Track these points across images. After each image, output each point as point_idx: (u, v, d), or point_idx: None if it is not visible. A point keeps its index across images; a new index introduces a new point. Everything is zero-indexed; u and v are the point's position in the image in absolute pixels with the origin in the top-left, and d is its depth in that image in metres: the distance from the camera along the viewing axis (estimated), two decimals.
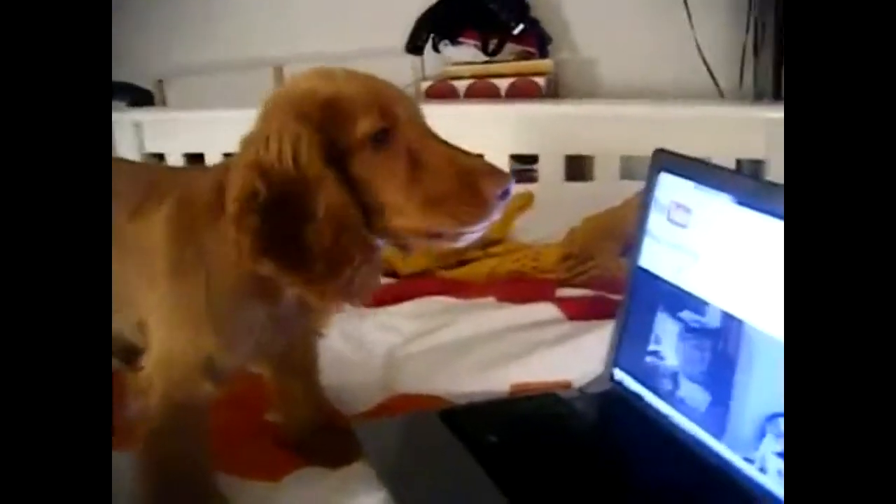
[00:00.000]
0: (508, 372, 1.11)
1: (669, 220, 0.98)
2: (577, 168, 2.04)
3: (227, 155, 0.83)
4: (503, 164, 1.88)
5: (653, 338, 0.98)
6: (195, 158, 2.16)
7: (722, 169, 0.97)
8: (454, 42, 2.29)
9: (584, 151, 1.97)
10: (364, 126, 0.76)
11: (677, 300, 0.95)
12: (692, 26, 2.08)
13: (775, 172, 1.68)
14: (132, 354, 0.88)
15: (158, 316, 0.84)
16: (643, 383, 0.99)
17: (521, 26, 2.21)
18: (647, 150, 1.04)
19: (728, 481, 0.85)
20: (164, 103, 2.56)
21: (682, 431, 0.92)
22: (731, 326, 0.87)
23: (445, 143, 0.79)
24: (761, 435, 0.82)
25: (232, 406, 0.97)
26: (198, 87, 2.54)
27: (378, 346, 1.23)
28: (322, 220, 0.74)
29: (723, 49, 2.12)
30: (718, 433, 0.87)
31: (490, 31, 2.24)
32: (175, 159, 2.21)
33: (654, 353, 0.98)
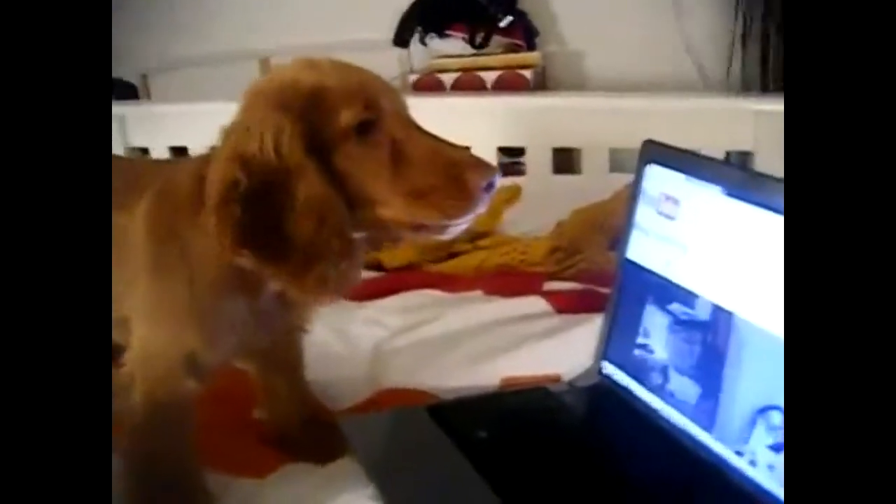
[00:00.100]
0: (497, 366, 1.11)
1: (658, 212, 0.97)
2: (565, 161, 2.03)
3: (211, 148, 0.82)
4: (490, 156, 1.87)
5: (642, 331, 0.98)
6: (180, 152, 2.14)
7: (711, 160, 0.97)
8: (441, 35, 2.28)
9: (571, 144, 1.97)
10: (347, 117, 0.75)
11: (666, 293, 0.94)
12: (680, 18, 2.08)
13: (763, 164, 1.68)
14: (114, 352, 0.87)
15: (139, 312, 0.83)
16: (632, 376, 0.99)
17: (508, 19, 2.21)
18: (635, 143, 1.04)
19: (718, 475, 0.84)
20: (148, 97, 2.54)
21: (672, 425, 0.91)
22: (720, 319, 0.86)
23: (430, 135, 0.78)
24: (751, 428, 0.81)
25: (218, 403, 0.96)
26: (182, 81, 2.52)
27: (365, 340, 1.22)
28: (302, 211, 0.73)
29: (710, 41, 2.12)
30: (708, 426, 0.87)
31: (477, 24, 2.23)
32: (159, 153, 2.20)
33: (644, 347, 0.97)
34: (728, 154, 1.80)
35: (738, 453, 0.83)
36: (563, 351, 1.12)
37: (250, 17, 2.54)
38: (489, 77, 2.15)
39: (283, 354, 0.99)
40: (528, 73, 2.13)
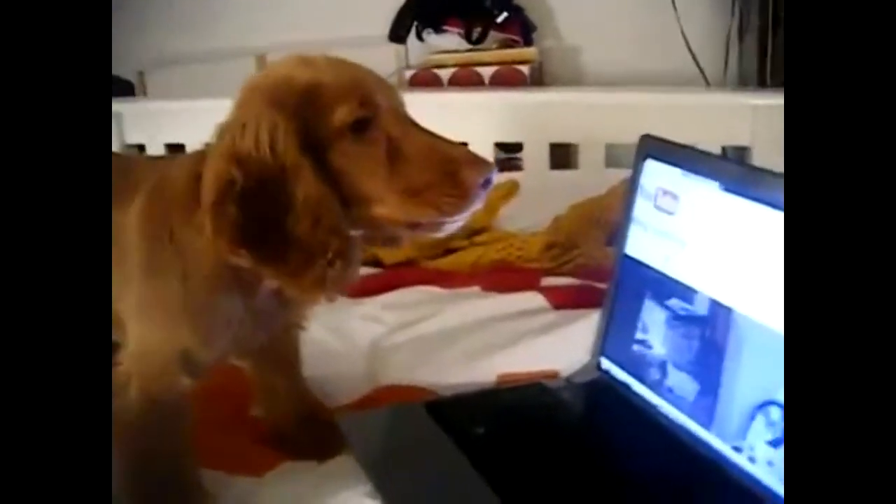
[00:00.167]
0: (494, 362, 1.10)
1: (656, 206, 0.97)
2: (562, 156, 2.03)
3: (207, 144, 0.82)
4: (487, 152, 1.87)
5: (640, 326, 0.97)
6: (176, 149, 2.14)
7: (709, 155, 0.96)
8: (437, 30, 2.28)
9: (568, 139, 1.96)
10: (342, 114, 0.74)
11: (664, 288, 0.94)
12: (677, 13, 2.08)
13: (760, 159, 1.68)
14: None
15: (134, 310, 0.83)
16: (630, 372, 0.99)
17: (504, 14, 2.21)
18: (632, 138, 1.03)
19: (717, 471, 0.84)
20: (144, 94, 2.54)
21: (670, 421, 0.91)
22: (719, 314, 0.86)
23: (427, 131, 0.78)
24: (750, 423, 0.81)
25: (215, 400, 0.96)
26: (179, 78, 2.52)
27: (362, 336, 1.22)
28: (298, 210, 0.73)
29: (707, 36, 2.12)
30: (707, 422, 0.86)
31: (474, 19, 2.23)
32: (156, 150, 2.19)
33: (642, 342, 0.97)
34: (724, 149, 1.80)
35: (737, 449, 0.82)
36: (561, 347, 1.11)
37: (247, 15, 2.53)
38: (486, 72, 2.15)
39: (280, 351, 0.98)
40: (524, 69, 2.13)
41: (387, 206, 0.76)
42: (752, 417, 0.81)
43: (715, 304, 0.87)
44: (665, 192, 0.96)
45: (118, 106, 2.23)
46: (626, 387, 0.99)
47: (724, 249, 0.87)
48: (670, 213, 0.95)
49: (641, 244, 0.99)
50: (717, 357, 0.85)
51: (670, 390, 0.92)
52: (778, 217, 0.80)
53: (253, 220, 0.72)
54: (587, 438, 0.95)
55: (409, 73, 2.22)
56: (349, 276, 0.77)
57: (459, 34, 2.25)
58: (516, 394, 1.03)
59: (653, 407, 0.94)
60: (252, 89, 0.77)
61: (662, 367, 0.93)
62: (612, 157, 1.89)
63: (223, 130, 0.76)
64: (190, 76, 2.48)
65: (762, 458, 0.80)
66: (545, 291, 1.31)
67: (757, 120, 1.70)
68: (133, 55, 2.53)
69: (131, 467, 0.84)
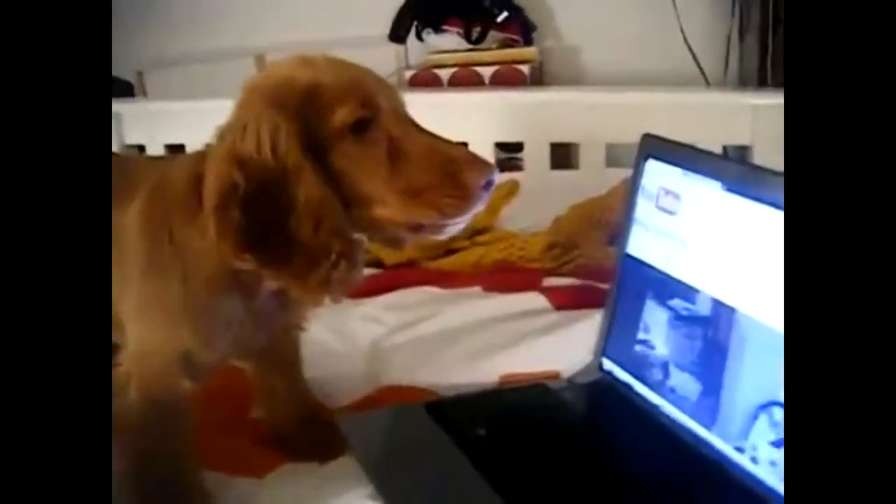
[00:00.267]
0: (496, 363, 1.10)
1: (658, 206, 0.97)
2: (563, 156, 2.03)
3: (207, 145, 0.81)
4: (488, 152, 1.87)
5: (642, 326, 0.97)
6: (176, 150, 2.14)
7: (710, 155, 0.96)
8: (437, 30, 2.28)
9: (569, 139, 1.96)
10: (343, 115, 0.74)
11: (667, 288, 0.93)
12: (677, 13, 2.08)
13: (761, 158, 1.67)
14: None
15: (134, 311, 0.82)
16: (632, 373, 0.98)
17: (504, 14, 2.21)
18: (632, 138, 1.03)
19: (719, 471, 0.84)
20: (144, 94, 2.53)
21: (673, 421, 0.91)
22: (721, 314, 0.86)
23: (427, 132, 0.78)
24: (753, 424, 0.81)
25: (215, 402, 0.95)
26: (178, 78, 2.51)
27: (362, 337, 1.22)
28: (301, 212, 0.72)
29: (707, 35, 2.12)
30: (709, 423, 0.86)
31: (473, 19, 2.23)
32: (156, 151, 2.18)
33: (644, 342, 0.97)
34: (725, 148, 1.79)
35: (740, 450, 0.82)
36: (563, 347, 1.11)
37: (246, 14, 2.53)
38: (486, 72, 2.15)
39: (281, 352, 0.98)
40: (524, 68, 2.13)
41: (388, 207, 0.76)
42: (754, 418, 0.81)
43: (717, 304, 0.86)
44: (667, 192, 0.95)
45: (118, 106, 2.22)
46: (628, 387, 0.99)
47: (726, 249, 0.86)
48: (672, 213, 0.94)
49: (644, 244, 0.99)
50: (720, 357, 0.85)
51: (672, 391, 0.92)
52: (780, 217, 0.80)
53: (256, 224, 0.72)
54: (589, 439, 0.95)
55: (408, 73, 2.22)
56: (353, 277, 0.77)
57: (459, 34, 2.24)
58: (518, 394, 1.03)
59: (655, 407, 0.94)
60: (253, 90, 0.76)
61: (664, 367, 0.93)
62: (613, 156, 1.89)
63: (224, 132, 0.75)
64: (189, 76, 2.47)
65: (765, 459, 0.79)
66: (547, 292, 1.31)
67: (757, 119, 1.69)
68: (132, 56, 2.53)
69: (131, 468, 0.84)
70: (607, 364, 1.03)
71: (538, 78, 2.21)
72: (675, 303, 0.92)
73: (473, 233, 1.54)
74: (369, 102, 0.75)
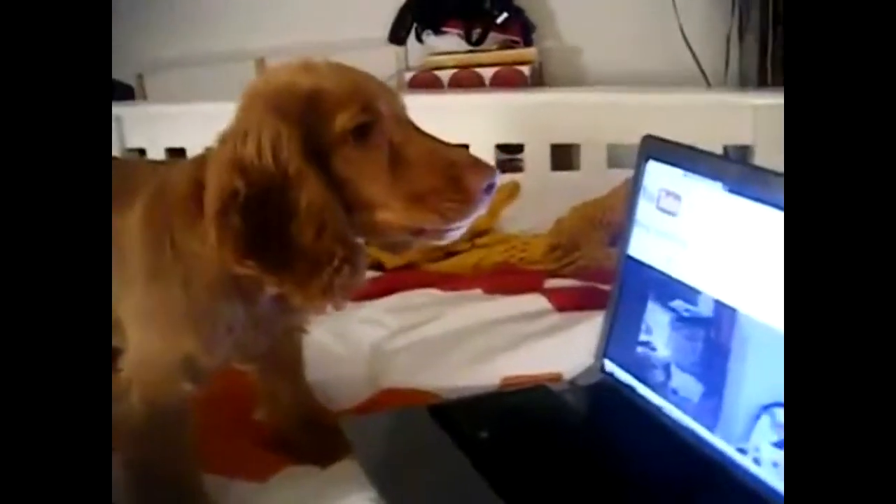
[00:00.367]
0: (497, 365, 1.10)
1: (658, 208, 0.97)
2: (564, 157, 2.02)
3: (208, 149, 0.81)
4: (488, 153, 1.87)
5: (644, 328, 0.97)
6: (177, 153, 2.14)
7: (711, 155, 0.96)
8: (437, 31, 2.27)
9: (570, 140, 1.95)
10: (344, 120, 0.74)
11: (668, 289, 0.93)
12: (677, 13, 2.07)
13: (762, 158, 1.67)
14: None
15: (135, 316, 0.82)
16: (634, 374, 0.98)
17: (504, 15, 2.20)
18: (633, 138, 1.03)
19: (722, 473, 0.84)
20: (144, 97, 2.53)
21: (675, 423, 0.91)
22: (723, 315, 0.85)
23: (429, 136, 0.77)
24: (755, 425, 0.81)
25: (218, 405, 0.95)
26: (179, 81, 2.51)
27: (364, 340, 1.22)
28: (302, 217, 0.72)
29: (707, 35, 2.12)
30: (711, 424, 0.86)
31: (473, 20, 2.23)
32: (157, 154, 2.18)
33: (646, 344, 0.96)
34: (726, 149, 1.79)
35: (742, 451, 0.82)
36: (564, 349, 1.11)
37: (246, 17, 2.53)
38: (486, 73, 2.15)
39: (283, 355, 0.98)
40: (525, 69, 2.13)
41: (390, 212, 0.76)
42: (757, 419, 0.81)
43: (719, 305, 0.86)
44: (667, 193, 0.95)
45: (118, 110, 2.22)
46: (630, 389, 0.99)
47: (727, 250, 0.86)
48: (673, 214, 0.94)
49: (645, 245, 0.99)
50: (722, 358, 0.85)
51: (674, 392, 0.92)
52: (781, 217, 0.79)
53: (257, 230, 0.72)
54: (591, 441, 0.95)
55: (409, 75, 2.22)
56: (356, 282, 0.77)
57: (459, 35, 2.24)
58: (520, 397, 1.03)
59: (657, 409, 0.94)
60: (254, 96, 0.76)
61: (666, 368, 0.93)
62: (614, 157, 1.89)
63: (225, 138, 0.75)
64: (190, 79, 2.47)
65: (767, 460, 0.79)
66: (548, 293, 1.30)
67: (758, 119, 1.69)
68: (132, 58, 2.53)
69: (133, 473, 0.84)
70: (609, 366, 1.03)
71: (538, 79, 2.21)
72: (677, 304, 0.92)
73: (474, 235, 1.54)
74: (370, 107, 0.75)
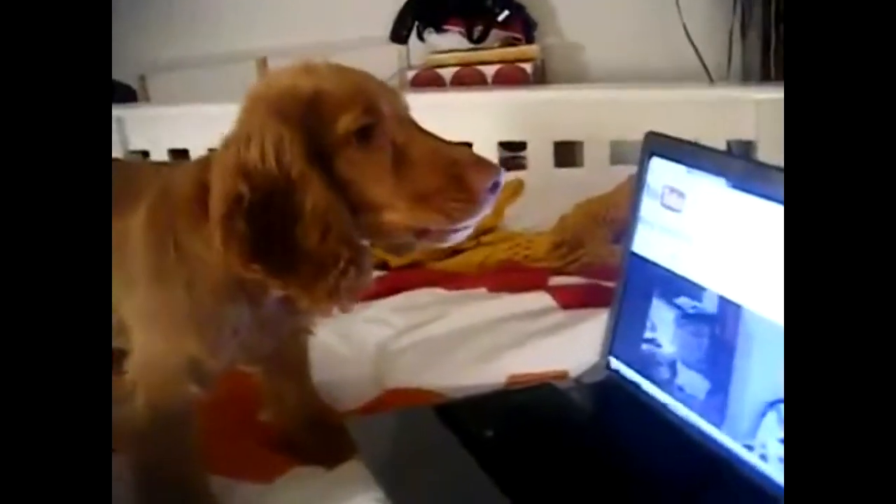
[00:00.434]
0: (503, 363, 1.10)
1: (663, 204, 0.96)
2: (567, 154, 2.02)
3: (211, 150, 0.81)
4: (491, 151, 1.87)
5: (649, 325, 0.97)
6: (179, 154, 2.14)
7: (714, 152, 0.96)
8: (439, 30, 2.28)
9: (572, 137, 1.96)
10: (347, 122, 0.74)
11: (673, 286, 0.93)
12: (679, 9, 2.07)
13: (765, 153, 1.67)
14: (115, 358, 0.86)
15: (139, 318, 0.83)
16: (640, 372, 0.98)
17: (506, 12, 2.20)
18: (636, 135, 1.03)
19: (728, 469, 0.83)
20: (146, 99, 2.54)
21: (681, 420, 0.91)
22: (728, 311, 0.85)
23: (432, 136, 0.77)
24: (762, 421, 0.80)
25: (223, 407, 0.95)
26: (181, 82, 2.52)
27: (369, 340, 1.21)
28: (308, 221, 0.72)
29: (710, 31, 2.12)
30: (718, 421, 0.86)
31: (475, 18, 2.23)
32: (159, 155, 2.19)
33: (651, 341, 0.96)
34: (729, 144, 1.79)
35: (749, 447, 0.82)
36: (570, 347, 1.11)
37: (247, 18, 2.53)
38: (488, 71, 2.15)
39: (289, 356, 0.98)
40: (527, 67, 2.13)
41: (395, 213, 0.76)
42: (763, 415, 0.80)
43: (724, 302, 0.86)
44: (671, 190, 0.95)
45: (120, 111, 2.23)
46: (636, 386, 0.98)
47: (731, 246, 0.86)
48: (677, 211, 0.94)
49: (649, 242, 0.98)
50: (727, 355, 0.85)
51: (680, 389, 0.91)
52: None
53: (263, 235, 0.72)
54: (598, 439, 0.95)
55: (411, 74, 2.22)
56: (362, 284, 0.77)
57: (461, 33, 2.24)
58: (525, 395, 1.03)
59: (663, 406, 0.94)
60: (256, 100, 0.76)
61: (672, 365, 0.93)
62: (617, 153, 1.89)
63: (228, 142, 0.75)
64: (191, 80, 2.48)
65: (774, 456, 0.79)
66: (553, 291, 1.30)
67: (761, 114, 1.69)
68: (134, 60, 2.54)
69: (139, 475, 0.84)
70: (614, 363, 1.03)
71: (541, 76, 2.21)
72: (682, 301, 0.92)
73: (479, 233, 1.54)
74: (373, 108, 0.75)
